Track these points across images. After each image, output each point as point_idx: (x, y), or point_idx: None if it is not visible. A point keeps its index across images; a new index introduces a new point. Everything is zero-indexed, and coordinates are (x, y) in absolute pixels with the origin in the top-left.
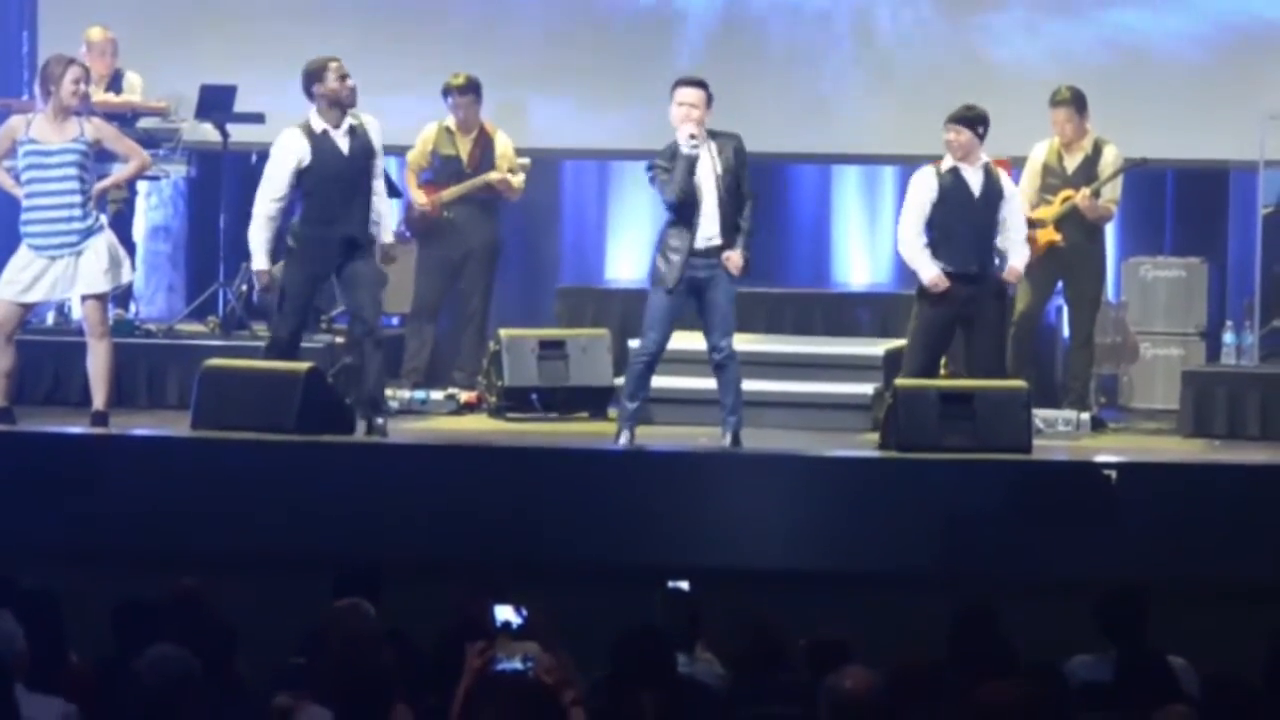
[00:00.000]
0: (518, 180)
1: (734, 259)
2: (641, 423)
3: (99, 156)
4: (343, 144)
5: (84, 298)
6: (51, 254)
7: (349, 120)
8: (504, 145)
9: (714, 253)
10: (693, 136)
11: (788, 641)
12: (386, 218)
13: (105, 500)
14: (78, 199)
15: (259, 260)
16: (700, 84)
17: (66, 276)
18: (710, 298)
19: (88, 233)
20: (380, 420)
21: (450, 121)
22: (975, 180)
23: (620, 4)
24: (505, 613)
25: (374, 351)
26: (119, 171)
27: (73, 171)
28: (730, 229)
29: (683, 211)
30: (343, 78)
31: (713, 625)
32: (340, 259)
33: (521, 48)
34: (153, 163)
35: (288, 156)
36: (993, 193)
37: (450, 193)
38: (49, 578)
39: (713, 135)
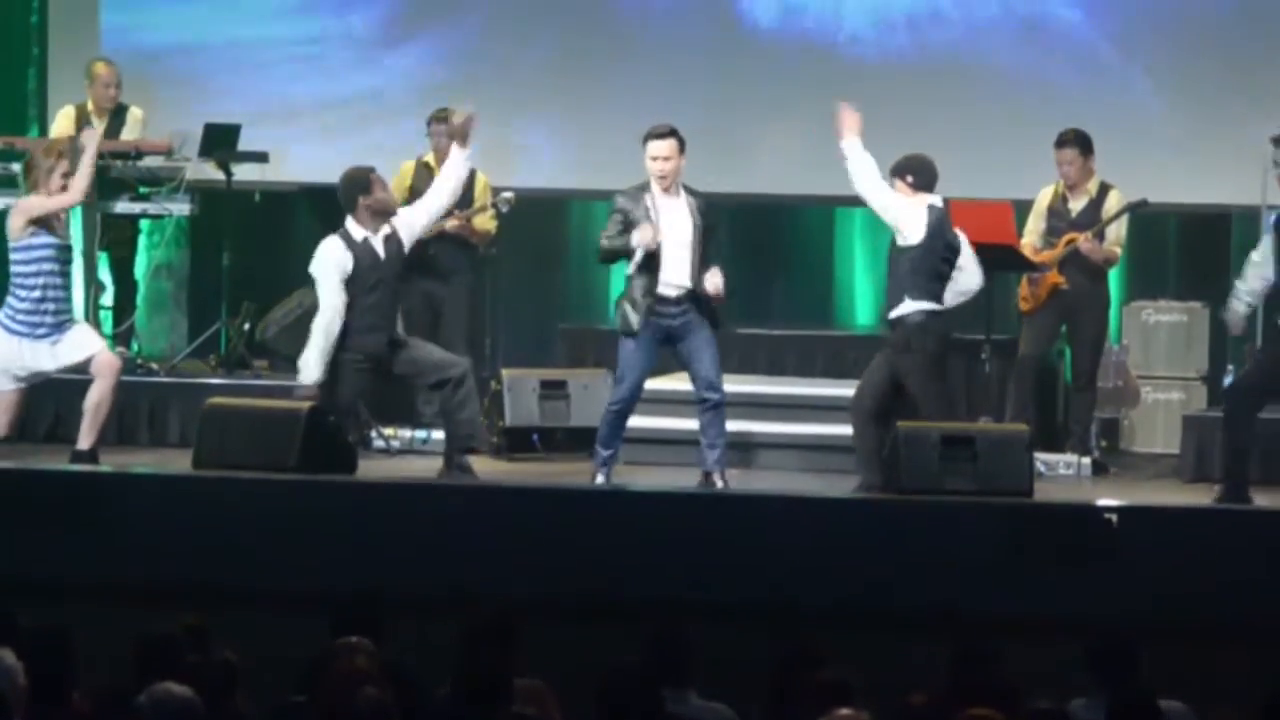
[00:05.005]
0: (480, 221)
1: (713, 277)
2: (638, 463)
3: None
4: (380, 250)
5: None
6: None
7: (386, 229)
8: (482, 184)
9: (685, 299)
10: None
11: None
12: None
13: (106, 537)
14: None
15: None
16: (671, 133)
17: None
18: (690, 345)
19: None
20: (465, 459)
21: (429, 157)
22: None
23: (626, 47)
24: None
25: (469, 387)
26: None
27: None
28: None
29: (646, 259)
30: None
31: (738, 660)
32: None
33: (530, 87)
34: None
35: (331, 267)
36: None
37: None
38: (49, 615)
39: (689, 191)
